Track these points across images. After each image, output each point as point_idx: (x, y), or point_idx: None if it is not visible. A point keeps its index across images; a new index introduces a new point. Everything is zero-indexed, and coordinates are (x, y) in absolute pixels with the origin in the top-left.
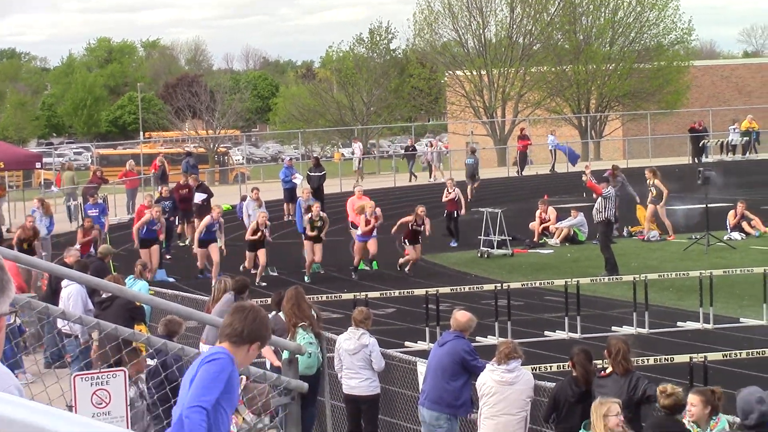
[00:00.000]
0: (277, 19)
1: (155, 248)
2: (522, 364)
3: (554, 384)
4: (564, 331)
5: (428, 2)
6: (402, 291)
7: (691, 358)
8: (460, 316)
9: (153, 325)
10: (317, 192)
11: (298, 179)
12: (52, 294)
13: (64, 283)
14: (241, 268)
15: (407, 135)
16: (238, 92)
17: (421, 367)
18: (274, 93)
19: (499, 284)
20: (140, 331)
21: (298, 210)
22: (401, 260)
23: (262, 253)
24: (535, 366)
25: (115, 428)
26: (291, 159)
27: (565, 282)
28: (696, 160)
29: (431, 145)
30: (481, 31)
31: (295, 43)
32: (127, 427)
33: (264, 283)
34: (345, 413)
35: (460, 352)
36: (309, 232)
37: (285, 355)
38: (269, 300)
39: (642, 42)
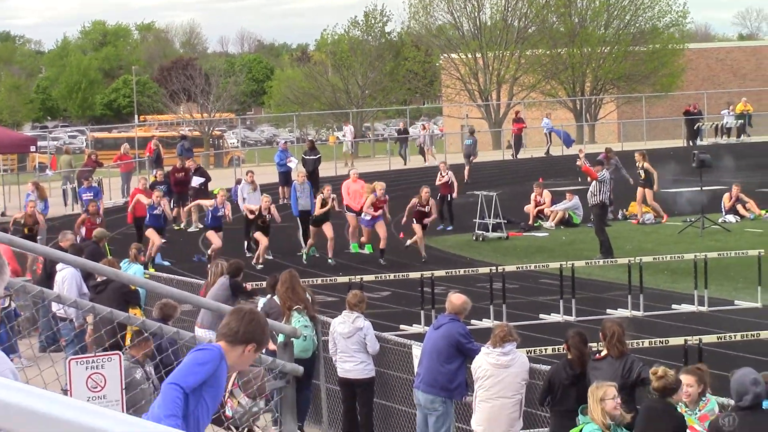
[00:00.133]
0: (272, 2)
1: (151, 231)
2: (517, 347)
3: (549, 367)
4: (559, 314)
5: None
6: (397, 274)
7: (685, 340)
8: (455, 298)
9: (148, 308)
10: (312, 175)
11: (293, 163)
12: (47, 278)
13: (58, 266)
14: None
15: (402, 118)
16: (233, 75)
17: (416, 350)
18: (269, 76)
19: (494, 267)
20: (135, 314)
21: (293, 193)
22: (408, 242)
23: (263, 239)
24: (530, 349)
25: (108, 411)
26: (286, 142)
27: (560, 265)
28: (691, 143)
29: (424, 128)
30: (476, 13)
31: (290, 26)
32: (122, 411)
33: (261, 266)
34: (340, 396)
35: (455, 335)
36: (318, 209)
37: (280, 338)
38: (264, 284)
39: (637, 25)
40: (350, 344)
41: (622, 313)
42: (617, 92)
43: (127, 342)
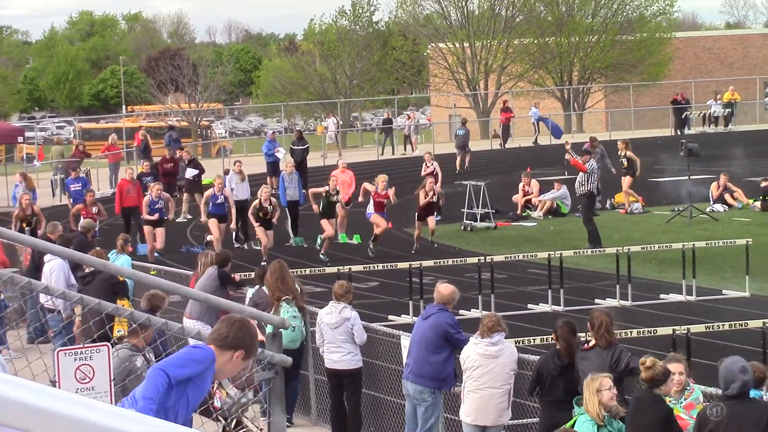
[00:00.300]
0: None
1: (160, 230)
2: (505, 337)
3: (538, 357)
4: (547, 303)
5: None
6: (385, 264)
7: (674, 330)
8: (443, 288)
9: (136, 299)
10: (300, 165)
11: (281, 153)
12: (35, 269)
13: (46, 257)
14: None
15: (390, 108)
16: (220, 65)
17: (405, 340)
18: (257, 66)
19: (483, 257)
20: (123, 305)
21: (281, 183)
22: (417, 233)
23: (269, 234)
24: (519, 339)
25: (97, 402)
26: (274, 132)
27: (548, 255)
28: (678, 132)
29: (408, 118)
30: (463, 3)
31: (278, 16)
32: (111, 402)
33: (264, 262)
34: (327, 387)
35: (443, 325)
36: (325, 204)
37: (269, 329)
38: (253, 274)
39: (624, 14)
40: (337, 335)
41: (610, 302)
42: (605, 81)
43: (115, 333)
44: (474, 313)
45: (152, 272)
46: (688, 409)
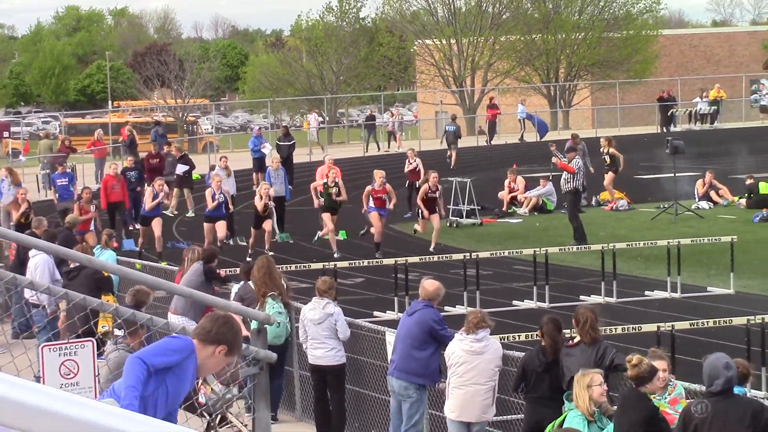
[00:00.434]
0: None
1: (157, 220)
2: (491, 334)
3: (523, 354)
4: (533, 300)
5: None
6: (371, 260)
7: (658, 327)
8: (428, 284)
9: (121, 295)
10: (286, 161)
11: (267, 149)
12: (20, 264)
13: (31, 252)
14: (245, 242)
15: (377, 104)
16: (207, 61)
17: (390, 337)
18: (244, 62)
19: (468, 254)
20: (108, 301)
21: (267, 179)
22: (416, 226)
23: (267, 224)
24: (504, 335)
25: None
26: (260, 128)
27: (534, 251)
28: (664, 129)
29: (392, 115)
30: None
31: (265, 11)
32: (95, 397)
33: (270, 253)
34: (311, 383)
35: (428, 321)
36: (322, 199)
37: (253, 325)
38: (238, 270)
39: (611, 11)
40: (321, 330)
41: (595, 299)
42: (591, 78)
43: (99, 329)
44: (459, 310)
45: (137, 266)
46: (672, 405)
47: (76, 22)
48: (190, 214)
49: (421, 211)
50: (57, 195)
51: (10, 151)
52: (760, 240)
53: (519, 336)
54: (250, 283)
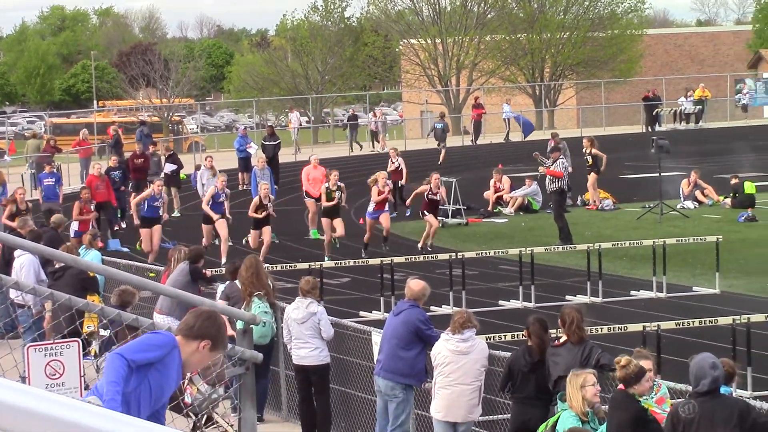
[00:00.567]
0: None
1: (157, 228)
2: (477, 334)
3: (509, 354)
4: (518, 300)
5: None
6: (356, 260)
7: (644, 326)
8: (414, 284)
9: (107, 295)
10: (272, 161)
11: (253, 149)
12: (6, 264)
13: (16, 253)
14: (243, 241)
15: (362, 104)
16: (192, 60)
17: (376, 337)
18: (229, 61)
19: (454, 253)
20: (93, 301)
21: (253, 179)
22: (420, 244)
23: (267, 231)
24: (490, 335)
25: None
26: (245, 128)
27: (520, 251)
28: (649, 129)
29: (375, 115)
30: None
31: (250, 11)
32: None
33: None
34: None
35: (414, 321)
36: (325, 202)
37: (239, 325)
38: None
39: (596, 10)
40: (304, 330)
41: (581, 299)
42: (576, 78)
43: (85, 329)
44: (445, 310)
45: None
46: (659, 404)
47: (61, 22)
48: (176, 213)
49: (423, 213)
50: (42, 195)
51: None
52: (745, 240)
53: (505, 336)
54: (236, 282)
